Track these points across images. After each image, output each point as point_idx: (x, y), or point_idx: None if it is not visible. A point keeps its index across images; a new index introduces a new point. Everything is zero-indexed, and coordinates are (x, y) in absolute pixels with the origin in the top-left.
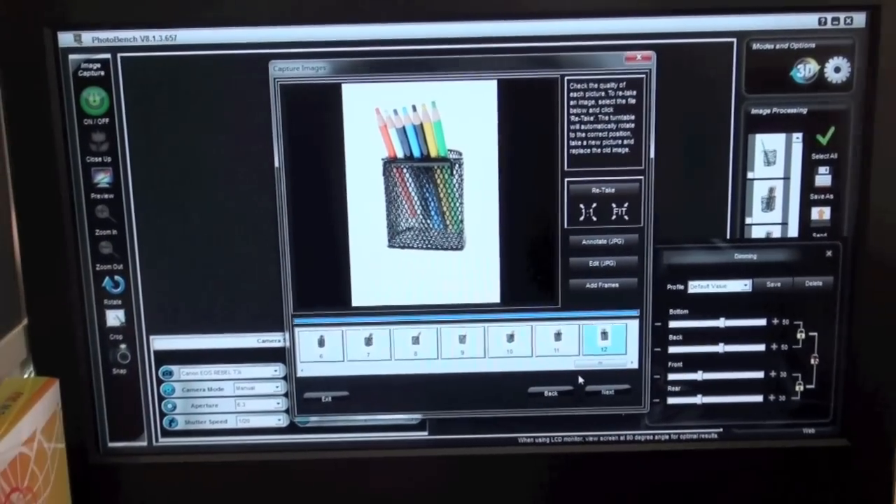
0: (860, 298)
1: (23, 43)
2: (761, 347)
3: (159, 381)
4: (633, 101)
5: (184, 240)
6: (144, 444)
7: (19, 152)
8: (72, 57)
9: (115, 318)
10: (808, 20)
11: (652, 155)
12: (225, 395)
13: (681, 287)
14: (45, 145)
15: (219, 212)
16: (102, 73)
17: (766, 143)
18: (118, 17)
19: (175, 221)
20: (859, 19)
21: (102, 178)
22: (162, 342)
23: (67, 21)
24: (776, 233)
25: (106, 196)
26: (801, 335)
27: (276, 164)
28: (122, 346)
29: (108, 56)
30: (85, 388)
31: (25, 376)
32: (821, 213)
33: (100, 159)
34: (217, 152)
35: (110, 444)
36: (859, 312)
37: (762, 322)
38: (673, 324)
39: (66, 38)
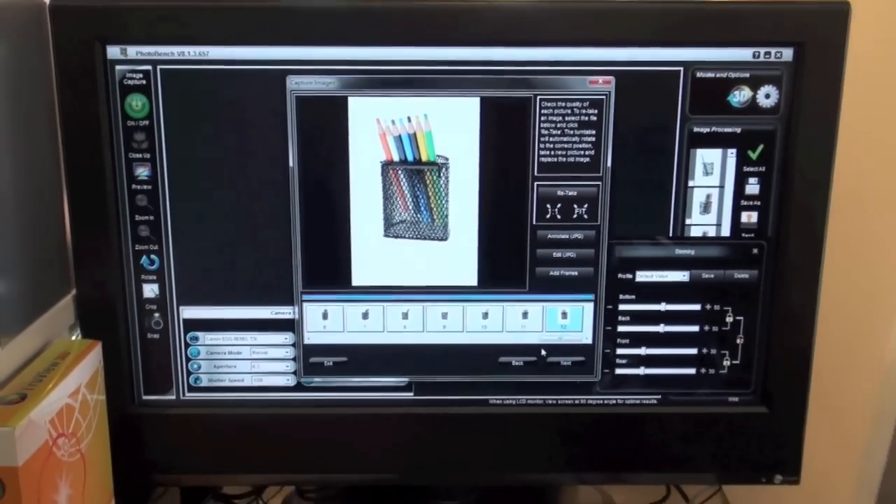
0: (780, 289)
1: (77, 54)
2: (695, 328)
3: (187, 345)
4: (594, 118)
5: (210, 225)
6: (173, 397)
7: (72, 148)
8: (118, 67)
9: (150, 290)
10: (744, 53)
11: (609, 164)
12: (242, 357)
13: (630, 276)
14: (94, 142)
15: (241, 203)
16: (144, 81)
17: (706, 156)
18: (159, 35)
19: (203, 210)
20: (787, 54)
21: (142, 172)
22: (190, 312)
23: (115, 37)
24: (711, 232)
25: (145, 187)
26: (729, 319)
27: (291, 164)
28: (156, 314)
29: (149, 68)
30: (124, 349)
31: (73, 338)
32: (749, 217)
33: (140, 155)
34: (241, 152)
35: (144, 397)
36: (778, 301)
37: (697, 307)
38: (622, 307)
39: (113, 51)
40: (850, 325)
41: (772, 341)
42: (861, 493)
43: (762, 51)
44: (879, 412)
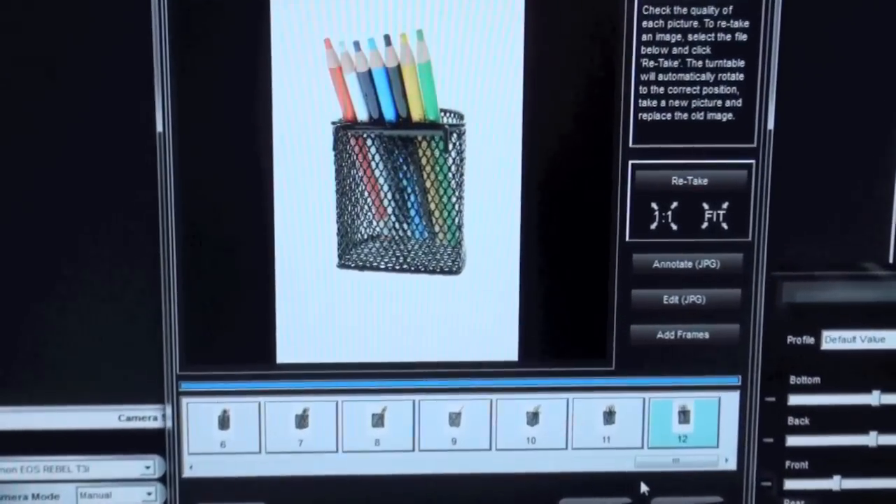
0: None
1: None
2: None
3: None
4: (743, 36)
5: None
6: None
7: None
8: None
9: None
10: None
11: (771, 125)
12: None
13: (810, 340)
14: None
15: (58, 209)
16: None
17: None
18: None
19: None
20: None
21: None
22: None
23: None
24: None
25: None
26: None
27: (159, 129)
28: None
29: None
30: None
31: None
32: None
33: None
34: (62, 109)
35: None
36: None
37: None
38: (795, 399)
39: None
40: None
41: None
42: None
43: None
44: None
